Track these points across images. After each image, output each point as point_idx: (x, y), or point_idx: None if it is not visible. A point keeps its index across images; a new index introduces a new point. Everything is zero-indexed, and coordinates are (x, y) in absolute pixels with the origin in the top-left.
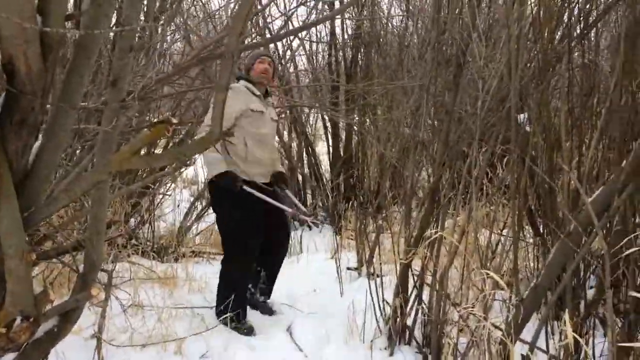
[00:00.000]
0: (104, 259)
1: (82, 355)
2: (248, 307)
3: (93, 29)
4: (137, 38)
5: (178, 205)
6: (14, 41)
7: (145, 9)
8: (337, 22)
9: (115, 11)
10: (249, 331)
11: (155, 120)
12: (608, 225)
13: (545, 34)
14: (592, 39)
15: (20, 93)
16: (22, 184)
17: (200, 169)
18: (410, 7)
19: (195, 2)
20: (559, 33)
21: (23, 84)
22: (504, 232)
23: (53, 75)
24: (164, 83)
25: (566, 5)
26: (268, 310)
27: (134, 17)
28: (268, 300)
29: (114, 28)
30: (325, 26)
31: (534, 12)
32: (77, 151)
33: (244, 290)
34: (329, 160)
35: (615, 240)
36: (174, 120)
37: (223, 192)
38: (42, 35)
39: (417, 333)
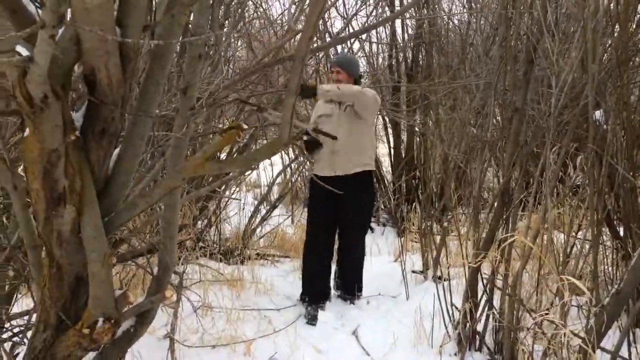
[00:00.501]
0: (176, 261)
1: (156, 355)
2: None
3: (168, 39)
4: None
5: (243, 209)
6: (95, 53)
7: (210, 17)
8: (397, 22)
9: None
10: (309, 319)
11: (227, 126)
12: None
13: (623, 26)
14: None
15: (101, 103)
16: (103, 190)
17: (262, 172)
18: (473, 4)
19: (257, 9)
20: (634, 25)
21: (104, 95)
22: (579, 234)
23: (131, 85)
24: (230, 89)
25: None
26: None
27: (203, 26)
28: (347, 296)
29: (187, 37)
30: (385, 27)
31: (609, 3)
32: (148, 157)
33: (308, 276)
34: (390, 161)
35: None
36: (245, 126)
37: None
38: (120, 47)
39: (488, 339)
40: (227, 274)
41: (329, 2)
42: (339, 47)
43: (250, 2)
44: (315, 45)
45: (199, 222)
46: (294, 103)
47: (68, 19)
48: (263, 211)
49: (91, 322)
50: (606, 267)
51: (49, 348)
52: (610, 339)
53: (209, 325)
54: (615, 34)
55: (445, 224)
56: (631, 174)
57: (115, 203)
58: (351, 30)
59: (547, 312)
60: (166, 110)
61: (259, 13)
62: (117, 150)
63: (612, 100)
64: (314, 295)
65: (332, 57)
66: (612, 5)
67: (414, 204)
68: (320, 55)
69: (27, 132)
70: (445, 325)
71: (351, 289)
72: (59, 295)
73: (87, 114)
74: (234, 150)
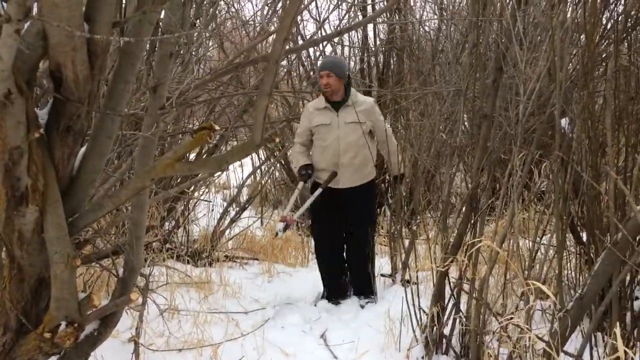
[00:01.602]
0: (142, 263)
1: (120, 358)
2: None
3: (138, 37)
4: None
5: (212, 210)
6: (62, 49)
7: (181, 16)
8: (370, 26)
9: None
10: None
11: (198, 126)
12: None
13: (590, 36)
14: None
15: (67, 100)
16: (67, 190)
17: (232, 173)
18: (444, 12)
19: (229, 9)
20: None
21: (70, 92)
22: (543, 240)
23: (99, 83)
24: (201, 89)
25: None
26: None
27: (174, 24)
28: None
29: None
30: (357, 31)
31: (576, 13)
32: (115, 157)
33: (322, 271)
34: None
35: None
36: (217, 127)
37: None
38: (88, 43)
39: (455, 342)
40: (194, 276)
41: (303, 5)
42: (311, 50)
43: (222, 2)
44: (287, 47)
45: (167, 223)
46: (267, 105)
47: (34, 12)
48: (232, 213)
49: (53, 326)
50: (569, 272)
51: (8, 352)
52: (573, 343)
53: (175, 328)
54: (581, 44)
55: (414, 227)
56: (595, 181)
57: (80, 203)
58: (323, 34)
59: (512, 316)
60: (134, 109)
61: (231, 13)
62: (83, 149)
63: (577, 109)
64: (329, 289)
65: (304, 59)
66: (578, 15)
67: (383, 208)
68: (292, 58)
69: None
70: (413, 328)
71: (369, 289)
72: (19, 297)
73: (52, 110)
74: (204, 151)
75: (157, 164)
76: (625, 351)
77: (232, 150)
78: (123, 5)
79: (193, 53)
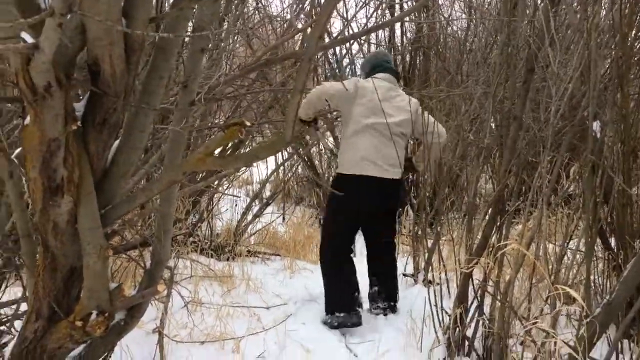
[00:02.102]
0: (169, 255)
1: (145, 349)
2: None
3: (174, 32)
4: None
5: (236, 205)
6: (100, 42)
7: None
8: (397, 24)
9: None
10: (331, 325)
11: (230, 122)
12: None
13: (624, 38)
14: None
15: (103, 94)
16: (101, 182)
17: (255, 169)
18: (472, 11)
19: (257, 5)
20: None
21: (107, 85)
22: (570, 244)
23: (135, 77)
24: (229, 84)
25: None
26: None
27: (206, 20)
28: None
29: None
30: (384, 30)
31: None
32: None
33: (327, 284)
34: None
35: None
36: (248, 123)
37: None
38: (125, 38)
39: (478, 345)
40: (217, 270)
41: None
42: (337, 48)
43: None
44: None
45: (191, 217)
46: (299, 102)
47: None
48: (255, 208)
49: (84, 315)
50: (597, 278)
51: (40, 339)
52: (598, 350)
53: (199, 321)
54: (615, 46)
55: (438, 228)
56: (627, 186)
57: (113, 195)
58: (351, 32)
59: (537, 320)
60: (164, 103)
61: (259, 9)
62: (116, 142)
63: (611, 112)
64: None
65: (330, 57)
66: (613, 16)
67: (406, 208)
68: (320, 55)
69: (27, 120)
70: (435, 329)
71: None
72: (52, 286)
73: (89, 104)
74: (228, 146)
75: (189, 158)
76: None
77: (263, 146)
78: (160, 1)
79: (223, 49)
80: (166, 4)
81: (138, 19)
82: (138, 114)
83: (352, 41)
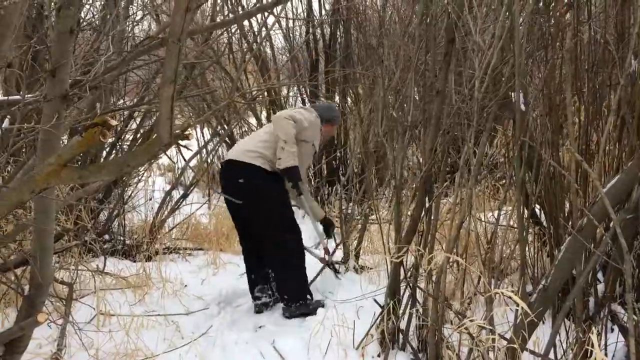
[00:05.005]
0: (52, 277)
1: None
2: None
3: None
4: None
5: (150, 199)
6: None
7: None
8: None
9: None
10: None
11: (90, 122)
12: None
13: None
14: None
15: None
16: None
17: (174, 154)
18: None
19: None
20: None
21: None
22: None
23: None
24: (120, 69)
25: None
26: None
27: None
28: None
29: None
30: (302, 1)
31: None
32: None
33: (299, 275)
34: None
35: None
36: (114, 122)
37: None
38: None
39: (412, 336)
40: (130, 275)
41: None
42: (254, 22)
43: None
44: (219, 21)
45: (101, 215)
46: (173, 95)
47: None
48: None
49: None
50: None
51: None
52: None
53: (106, 338)
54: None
55: (367, 210)
56: (555, 161)
57: None
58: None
59: (468, 305)
60: (34, 96)
61: None
62: None
63: (536, 83)
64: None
65: (247, 32)
66: None
67: (335, 187)
68: (234, 30)
69: None
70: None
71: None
72: None
73: None
74: (138, 135)
75: (37, 172)
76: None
77: (135, 151)
78: None
79: (110, 29)
80: None
81: None
82: None
83: (266, 15)
